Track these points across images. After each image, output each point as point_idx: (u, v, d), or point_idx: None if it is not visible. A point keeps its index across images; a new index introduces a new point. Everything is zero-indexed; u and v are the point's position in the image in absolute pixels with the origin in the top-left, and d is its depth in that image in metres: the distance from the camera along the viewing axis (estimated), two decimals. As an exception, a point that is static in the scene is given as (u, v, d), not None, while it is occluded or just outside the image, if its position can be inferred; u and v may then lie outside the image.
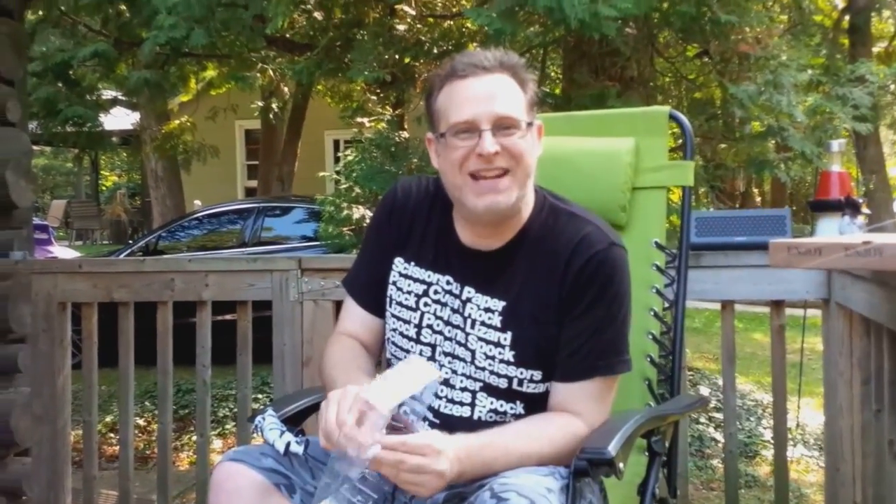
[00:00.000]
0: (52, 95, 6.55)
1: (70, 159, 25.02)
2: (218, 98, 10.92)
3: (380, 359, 1.89)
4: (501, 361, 1.60)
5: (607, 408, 1.59)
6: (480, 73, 1.57)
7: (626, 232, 2.07)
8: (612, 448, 1.40)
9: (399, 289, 1.72)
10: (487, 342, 1.62)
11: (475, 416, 1.62)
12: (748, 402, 6.08)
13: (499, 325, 1.62)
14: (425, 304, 1.69)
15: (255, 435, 1.60)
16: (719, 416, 5.57)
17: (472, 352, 1.63)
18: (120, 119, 13.46)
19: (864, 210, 2.55)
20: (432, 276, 1.69)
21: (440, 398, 1.65)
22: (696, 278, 2.09)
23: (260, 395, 5.99)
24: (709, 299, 2.64)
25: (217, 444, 5.51)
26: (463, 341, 1.65)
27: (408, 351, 1.69)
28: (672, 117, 2.08)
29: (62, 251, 12.92)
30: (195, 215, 9.06)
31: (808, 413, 5.84)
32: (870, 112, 4.94)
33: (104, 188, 26.00)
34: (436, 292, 1.69)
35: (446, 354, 1.66)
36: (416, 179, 1.79)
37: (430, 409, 1.64)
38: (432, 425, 1.64)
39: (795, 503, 4.33)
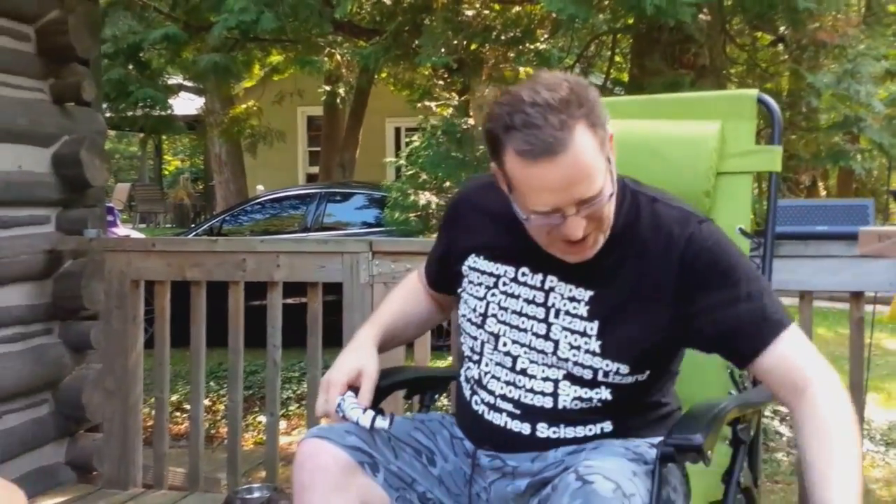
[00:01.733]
0: (122, 77, 6.67)
1: (134, 143, 25.55)
2: (281, 83, 11.02)
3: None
4: (587, 352, 1.55)
5: (818, 354, 1.51)
6: (555, 157, 1.38)
7: (711, 218, 2.02)
8: (701, 434, 1.36)
9: (471, 282, 1.69)
10: (573, 332, 1.57)
11: (559, 406, 1.58)
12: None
13: (585, 314, 1.56)
14: (492, 295, 1.65)
15: (339, 414, 1.61)
16: (784, 409, 5.47)
17: (556, 342, 1.58)
18: (185, 104, 13.67)
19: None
20: (500, 269, 1.65)
21: (518, 388, 1.61)
22: (775, 268, 2.03)
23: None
24: (787, 290, 2.58)
25: (281, 424, 5.56)
26: (544, 332, 1.59)
27: (475, 339, 1.67)
28: (760, 101, 2.02)
29: (127, 233, 13.20)
30: (258, 200, 9.14)
31: (872, 408, 5.71)
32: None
33: (167, 172, 26.45)
34: (504, 283, 1.64)
35: (520, 345, 1.61)
36: (486, 176, 1.70)
37: (509, 398, 1.61)
38: (511, 415, 1.61)
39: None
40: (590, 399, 1.57)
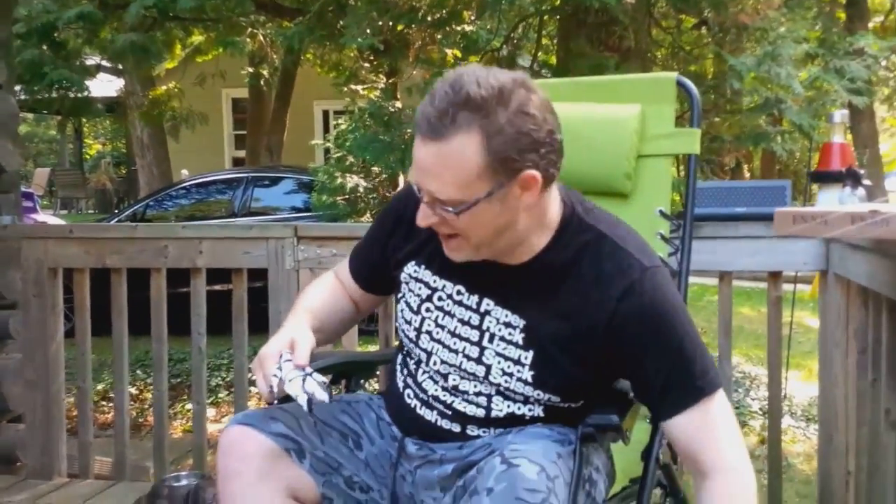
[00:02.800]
0: (36, 58, 6.45)
1: (53, 126, 24.76)
2: (205, 65, 10.79)
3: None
4: (519, 380, 1.51)
5: (736, 429, 1.46)
6: (428, 140, 1.35)
7: (631, 200, 2.06)
8: (619, 414, 1.39)
9: (410, 290, 1.65)
10: (506, 358, 1.53)
11: (492, 415, 1.57)
12: (736, 373, 6.13)
13: (521, 342, 1.52)
14: (427, 310, 1.62)
15: (277, 388, 1.53)
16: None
17: (488, 367, 1.54)
18: (104, 85, 13.31)
19: (865, 182, 2.54)
20: (438, 282, 1.61)
21: (453, 395, 1.59)
22: (694, 249, 2.07)
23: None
24: (707, 270, 2.64)
25: (210, 412, 5.50)
26: (476, 356, 1.55)
27: (409, 350, 1.66)
28: (679, 84, 2.06)
29: (47, 220, 12.82)
30: (183, 184, 8.97)
31: (794, 384, 5.90)
32: (865, 86, 4.93)
33: (88, 156, 25.75)
34: (440, 299, 1.61)
35: (449, 365, 1.58)
36: None
37: (442, 401, 1.61)
38: (442, 415, 1.60)
39: (783, 473, 4.36)
40: (522, 415, 1.56)
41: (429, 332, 1.61)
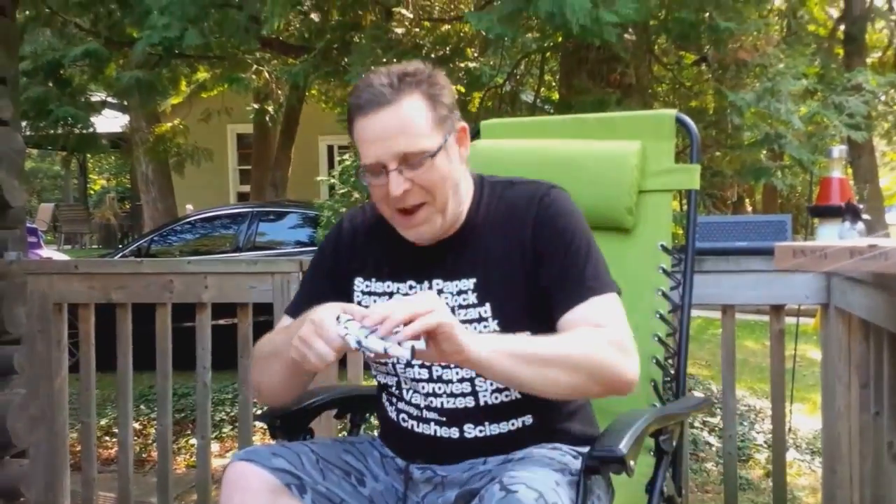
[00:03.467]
0: (42, 95, 6.50)
1: (57, 162, 24.86)
2: (210, 101, 10.88)
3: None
4: (491, 334, 1.58)
5: (624, 323, 1.57)
6: (380, 109, 1.54)
7: (633, 235, 2.08)
8: (624, 446, 1.40)
9: (366, 307, 1.67)
10: (471, 321, 1.61)
11: (481, 402, 1.63)
12: (741, 406, 6.10)
13: (475, 301, 1.62)
14: None
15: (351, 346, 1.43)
16: (713, 420, 5.59)
17: None
18: (109, 121, 13.40)
19: (864, 216, 2.56)
20: (391, 286, 1.70)
21: (439, 396, 1.64)
22: (697, 283, 2.10)
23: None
24: (710, 304, 2.65)
25: (214, 447, 5.48)
26: None
27: (384, 363, 1.69)
28: (678, 121, 2.09)
29: (51, 255, 12.84)
30: (188, 219, 8.99)
31: (799, 418, 5.87)
32: (864, 121, 4.97)
33: (92, 192, 25.88)
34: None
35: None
36: (359, 209, 1.83)
37: (433, 408, 1.66)
38: (438, 423, 1.66)
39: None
40: (507, 389, 1.62)
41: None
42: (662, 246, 2.06)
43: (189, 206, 11.99)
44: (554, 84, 6.98)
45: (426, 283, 1.66)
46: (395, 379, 1.70)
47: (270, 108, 9.61)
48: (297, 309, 1.73)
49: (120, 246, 13.25)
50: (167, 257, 8.31)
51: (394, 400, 1.73)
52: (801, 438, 5.59)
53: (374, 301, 1.70)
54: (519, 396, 1.63)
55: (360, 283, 1.73)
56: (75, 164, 21.95)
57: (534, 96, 6.53)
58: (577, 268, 1.58)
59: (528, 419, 1.65)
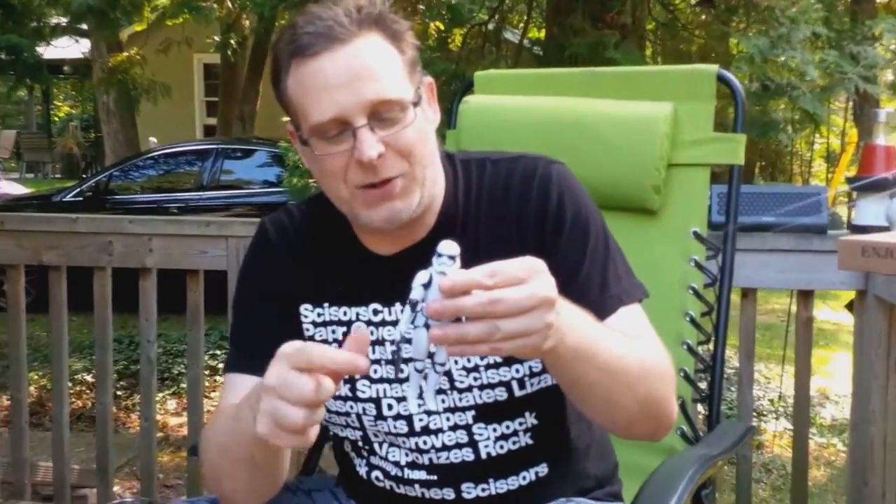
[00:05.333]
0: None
1: (21, 87, 24.07)
2: (174, 30, 10.30)
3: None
4: (488, 367, 1.21)
5: (653, 333, 1.21)
6: (336, 46, 1.12)
7: (659, 218, 1.72)
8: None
9: (319, 342, 1.28)
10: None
11: (482, 454, 1.26)
12: (728, 369, 5.86)
13: None
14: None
15: None
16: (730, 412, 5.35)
17: (448, 374, 1.22)
18: (72, 47, 12.79)
19: (911, 190, 2.22)
20: (349, 312, 1.26)
21: (426, 451, 1.26)
22: (714, 262, 1.75)
23: (218, 352, 5.61)
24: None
25: (171, 404, 5.16)
26: None
27: (346, 414, 1.27)
28: (721, 79, 1.71)
29: (10, 186, 12.31)
30: (150, 154, 8.70)
31: (790, 384, 5.64)
32: (873, 73, 4.61)
33: (56, 119, 25.06)
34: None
35: (403, 401, 1.24)
36: (284, 213, 1.34)
37: (419, 465, 1.28)
38: (427, 484, 1.28)
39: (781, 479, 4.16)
40: (514, 434, 1.26)
41: (366, 377, 1.25)
42: (695, 233, 1.70)
43: (153, 139, 11.48)
44: (542, 22, 6.52)
45: (398, 305, 1.23)
46: (360, 433, 1.30)
47: (234, 40, 9.01)
48: (244, 356, 1.26)
49: (84, 177, 12.76)
50: (128, 194, 8.11)
51: (364, 454, 1.34)
52: (790, 405, 5.39)
53: (331, 332, 1.27)
54: (530, 442, 1.27)
55: (308, 312, 1.28)
56: (38, 90, 21.21)
57: (520, 36, 6.08)
58: (597, 271, 1.20)
59: (543, 469, 1.29)
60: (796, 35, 3.96)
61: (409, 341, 0.93)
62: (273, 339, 1.01)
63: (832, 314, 6.91)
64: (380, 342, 1.24)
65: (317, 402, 0.91)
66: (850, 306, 2.70)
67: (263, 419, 0.93)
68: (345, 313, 1.26)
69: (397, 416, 1.25)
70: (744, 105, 1.69)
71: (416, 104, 1.15)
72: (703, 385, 1.71)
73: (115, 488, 3.69)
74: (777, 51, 3.91)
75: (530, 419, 1.26)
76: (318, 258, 1.28)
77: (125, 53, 9.85)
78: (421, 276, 0.92)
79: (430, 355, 0.93)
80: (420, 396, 0.94)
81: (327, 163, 1.15)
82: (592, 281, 1.20)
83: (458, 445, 1.25)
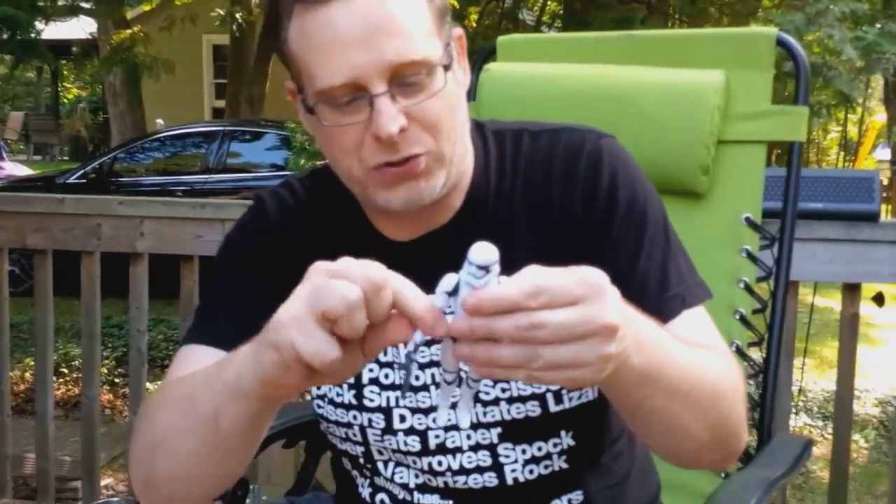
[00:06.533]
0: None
1: (31, 69, 23.98)
2: (182, 10, 10.12)
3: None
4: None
5: (721, 342, 1.02)
6: None
7: (706, 202, 1.52)
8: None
9: None
10: None
11: (508, 480, 1.06)
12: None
13: None
14: None
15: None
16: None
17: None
18: (81, 26, 12.66)
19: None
20: None
21: (440, 473, 1.06)
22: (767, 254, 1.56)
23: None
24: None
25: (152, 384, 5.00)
26: (451, 380, 1.02)
27: (348, 425, 1.07)
28: (780, 43, 1.50)
29: (14, 167, 12.18)
30: (157, 136, 8.58)
31: (811, 378, 5.51)
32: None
33: (66, 101, 24.95)
34: None
35: (424, 413, 1.05)
36: (285, 187, 1.12)
37: (432, 487, 1.09)
38: None
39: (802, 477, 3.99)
40: (547, 457, 1.06)
41: (376, 382, 1.06)
42: (748, 220, 1.50)
43: (159, 121, 11.31)
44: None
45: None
46: (362, 449, 1.10)
47: (240, 17, 8.78)
48: (209, 327, 1.05)
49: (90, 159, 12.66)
50: (132, 176, 8.02)
51: (366, 473, 1.14)
52: (811, 401, 5.22)
53: None
54: (564, 466, 1.07)
55: None
56: (47, 71, 21.11)
57: (538, 13, 5.85)
58: (656, 267, 1.00)
59: (577, 497, 1.09)
60: (832, 12, 3.74)
61: (429, 344, 0.74)
62: (249, 322, 0.82)
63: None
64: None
65: (358, 305, 0.70)
66: (876, 299, 2.52)
67: (282, 345, 0.73)
68: None
69: (409, 431, 1.05)
70: (807, 74, 1.47)
71: (446, 67, 0.95)
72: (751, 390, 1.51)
73: (109, 480, 3.57)
74: (814, 27, 3.69)
75: (566, 439, 1.06)
76: (323, 243, 1.04)
77: (126, 32, 9.66)
78: (447, 281, 0.73)
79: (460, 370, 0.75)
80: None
81: (337, 136, 0.95)
82: (650, 278, 0.99)
83: (480, 469, 1.06)
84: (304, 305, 0.72)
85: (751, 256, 1.49)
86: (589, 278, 0.71)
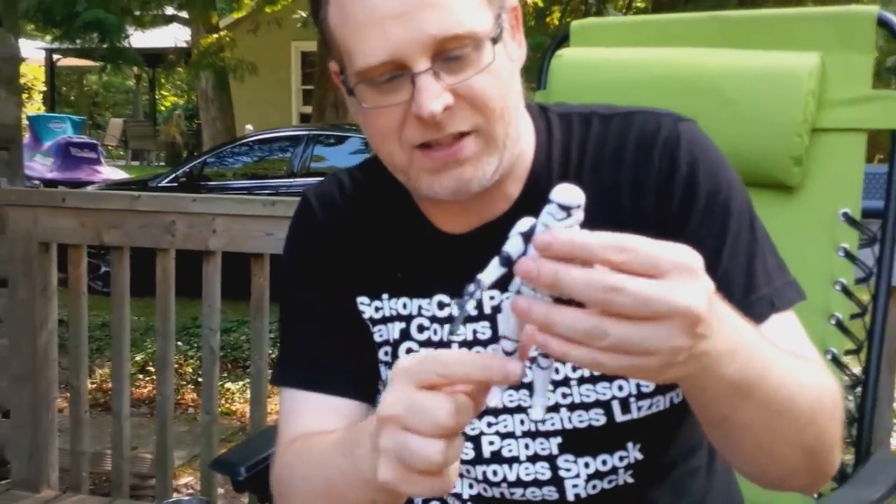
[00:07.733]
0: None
1: (131, 77, 24.81)
2: (275, 16, 10.30)
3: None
4: (583, 381, 0.94)
5: (814, 351, 0.92)
6: None
7: (798, 196, 1.40)
8: None
9: (378, 342, 1.04)
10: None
11: (569, 496, 0.98)
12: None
13: None
14: (408, 351, 1.01)
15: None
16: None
17: (528, 386, 0.91)
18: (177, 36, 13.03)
19: None
20: (410, 305, 1.01)
21: (496, 483, 0.98)
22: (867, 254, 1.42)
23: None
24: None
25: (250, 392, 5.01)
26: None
27: None
28: (882, 22, 1.37)
29: (112, 172, 12.59)
30: (244, 140, 8.75)
31: None
32: None
33: (163, 108, 25.75)
34: (421, 328, 1.01)
35: (477, 417, 0.93)
36: (333, 182, 1.07)
37: (486, 500, 1.01)
38: None
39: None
40: (612, 472, 0.97)
41: None
42: (846, 215, 1.37)
43: (248, 126, 11.56)
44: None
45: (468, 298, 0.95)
46: None
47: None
48: (301, 366, 1.03)
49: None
50: (221, 180, 8.19)
51: None
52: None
53: (390, 330, 1.01)
54: (631, 481, 0.98)
55: (364, 307, 1.02)
56: (146, 79, 21.82)
57: (624, 12, 5.71)
58: (740, 265, 0.90)
59: None
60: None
61: (476, 285, 0.66)
62: (339, 341, 0.88)
63: None
64: (445, 344, 0.97)
65: (456, 428, 0.67)
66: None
67: (387, 462, 0.69)
68: (404, 306, 1.00)
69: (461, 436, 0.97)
70: (914, 55, 1.34)
71: (495, 40, 0.86)
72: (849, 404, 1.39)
73: (189, 479, 3.57)
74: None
75: (634, 453, 0.97)
76: (374, 238, 1.01)
77: (214, 36, 9.90)
78: (523, 222, 0.66)
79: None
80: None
81: (378, 119, 0.88)
82: (734, 278, 0.89)
83: (538, 482, 0.97)
84: (395, 428, 0.69)
85: (849, 256, 1.36)
86: (681, 255, 0.62)
